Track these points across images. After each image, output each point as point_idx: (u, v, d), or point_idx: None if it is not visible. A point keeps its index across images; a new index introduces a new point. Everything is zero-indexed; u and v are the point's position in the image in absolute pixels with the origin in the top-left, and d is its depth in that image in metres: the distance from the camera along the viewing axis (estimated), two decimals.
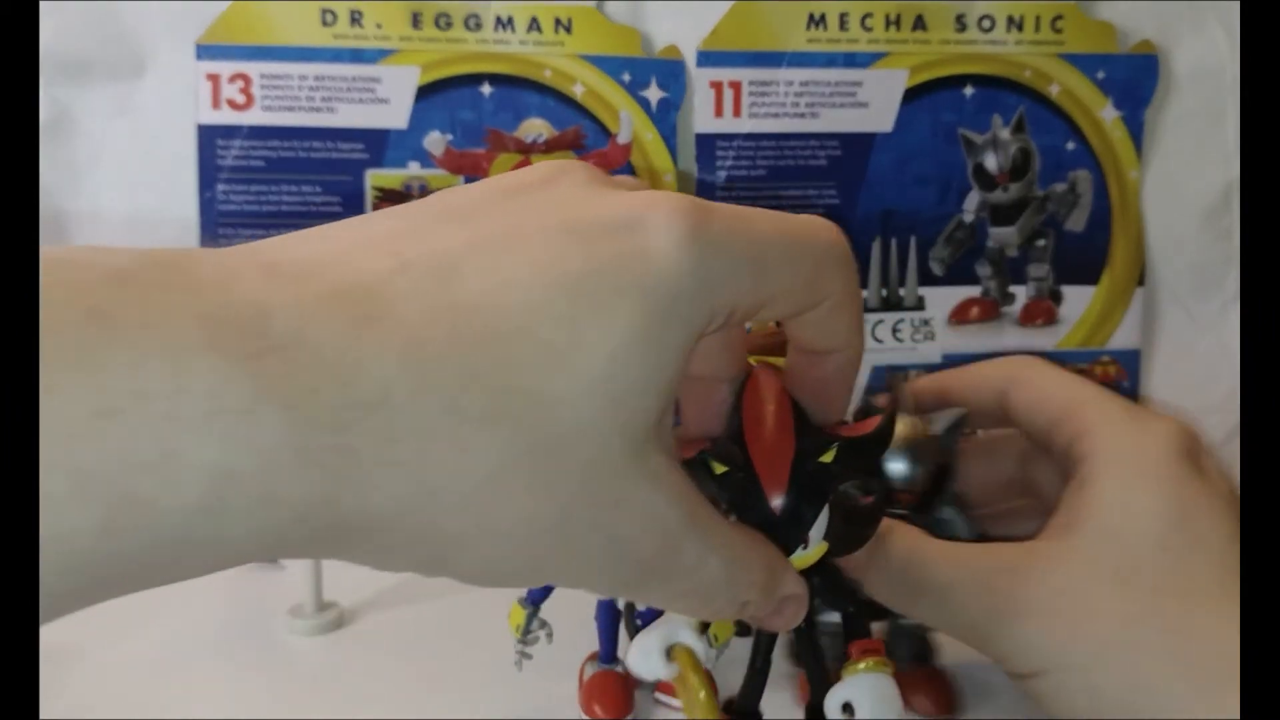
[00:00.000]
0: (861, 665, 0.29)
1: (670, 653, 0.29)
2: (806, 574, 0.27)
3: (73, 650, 0.41)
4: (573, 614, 0.37)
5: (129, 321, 0.15)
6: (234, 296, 0.17)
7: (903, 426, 0.32)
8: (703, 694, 0.29)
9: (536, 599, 0.37)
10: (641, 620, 0.39)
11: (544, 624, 0.37)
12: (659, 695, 0.40)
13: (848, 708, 0.28)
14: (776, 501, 0.25)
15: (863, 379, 0.36)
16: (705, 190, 0.55)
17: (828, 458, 0.25)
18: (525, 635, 0.37)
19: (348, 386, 0.17)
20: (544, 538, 0.20)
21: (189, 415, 0.15)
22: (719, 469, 0.25)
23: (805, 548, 0.26)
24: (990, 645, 0.29)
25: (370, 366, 0.17)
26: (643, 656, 0.29)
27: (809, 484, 0.25)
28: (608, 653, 0.39)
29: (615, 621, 0.39)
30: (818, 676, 0.30)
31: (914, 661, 0.38)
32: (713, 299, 0.21)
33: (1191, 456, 0.29)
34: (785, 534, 0.25)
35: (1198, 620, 0.27)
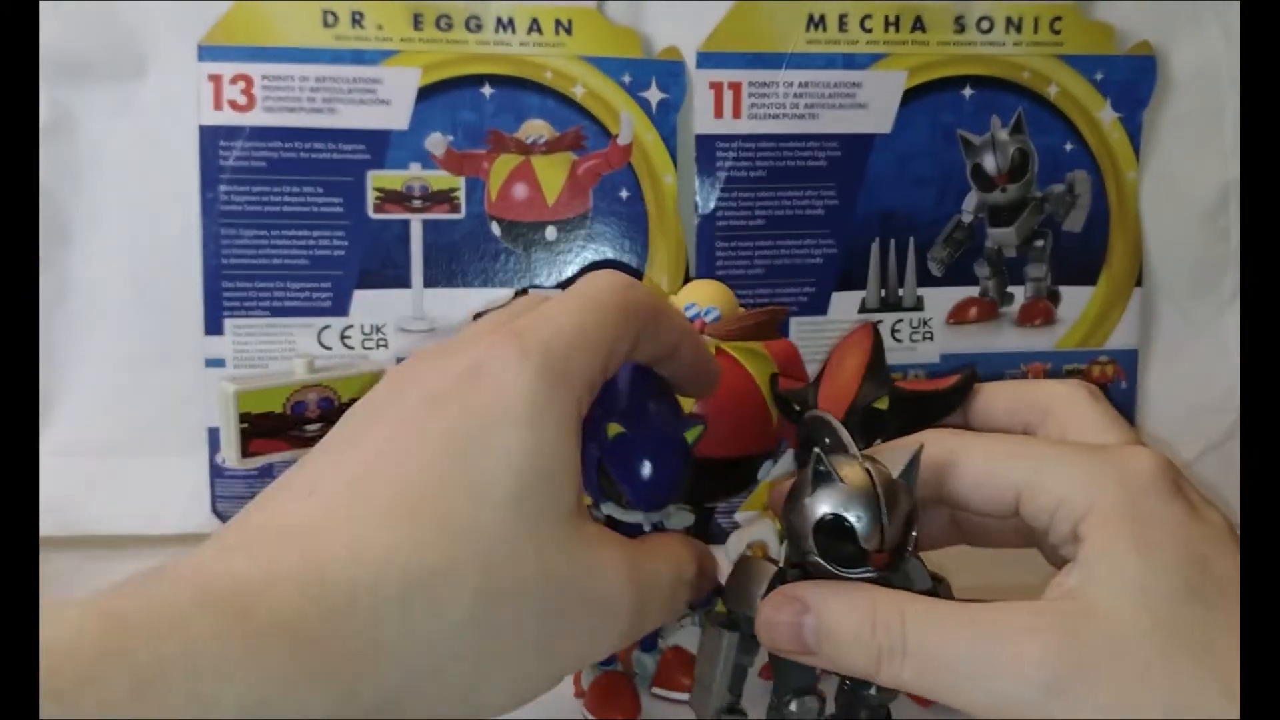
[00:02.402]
0: None
1: (750, 546, 0.37)
2: None
3: None
4: None
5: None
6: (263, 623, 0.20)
7: (856, 473, 0.26)
8: None
9: None
10: None
11: None
12: (655, 690, 0.40)
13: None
14: None
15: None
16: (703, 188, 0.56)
17: (881, 404, 0.31)
18: None
19: (349, 619, 0.20)
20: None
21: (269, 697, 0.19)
22: (796, 408, 0.32)
23: None
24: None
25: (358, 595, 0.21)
26: (735, 545, 0.38)
27: (859, 424, 0.30)
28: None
29: None
30: None
31: None
32: (568, 380, 0.25)
33: (1180, 492, 0.26)
34: None
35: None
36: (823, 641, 0.27)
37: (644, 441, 0.29)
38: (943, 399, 0.33)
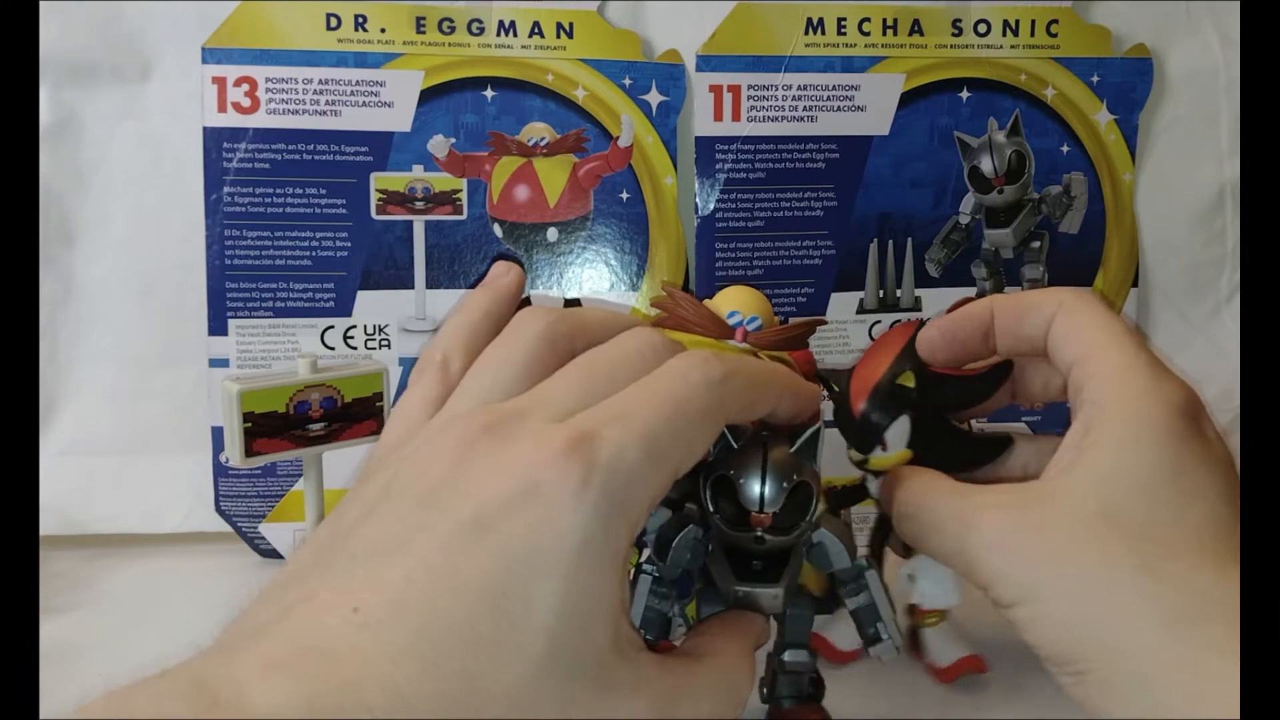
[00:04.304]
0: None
1: None
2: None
3: (73, 650, 0.42)
4: None
5: None
6: None
7: (750, 442, 0.30)
8: None
9: None
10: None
11: None
12: None
13: (911, 578, 0.37)
14: (859, 408, 0.34)
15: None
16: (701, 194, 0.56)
17: (906, 381, 0.34)
18: None
19: None
20: None
21: None
22: (834, 388, 0.35)
23: (884, 450, 0.34)
24: (974, 574, 0.30)
25: None
26: None
27: (883, 398, 0.34)
28: None
29: None
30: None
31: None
32: (628, 512, 0.24)
33: (1194, 418, 0.30)
34: (862, 436, 0.34)
35: (1175, 566, 0.27)
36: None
37: None
38: (972, 384, 0.35)
